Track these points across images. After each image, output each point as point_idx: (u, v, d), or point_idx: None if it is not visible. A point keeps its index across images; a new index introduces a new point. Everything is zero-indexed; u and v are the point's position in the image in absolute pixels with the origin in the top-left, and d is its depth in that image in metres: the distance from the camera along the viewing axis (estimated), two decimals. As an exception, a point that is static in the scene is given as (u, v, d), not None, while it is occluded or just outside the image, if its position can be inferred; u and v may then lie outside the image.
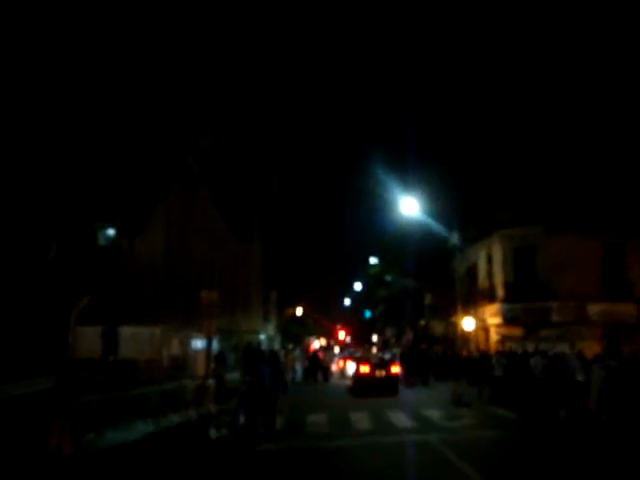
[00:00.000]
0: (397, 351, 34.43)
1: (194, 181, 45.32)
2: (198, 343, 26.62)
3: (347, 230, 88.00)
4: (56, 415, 9.25)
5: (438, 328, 38.77)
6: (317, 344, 78.63)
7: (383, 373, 22.99)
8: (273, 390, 11.96)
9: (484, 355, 23.62)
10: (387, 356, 30.08)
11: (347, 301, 72.42)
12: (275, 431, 11.91)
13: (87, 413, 9.86)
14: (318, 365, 31.11)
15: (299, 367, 33.35)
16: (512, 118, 27.63)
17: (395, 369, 24.01)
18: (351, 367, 28.88)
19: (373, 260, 44.42)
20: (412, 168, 27.26)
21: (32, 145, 28.18)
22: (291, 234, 50.45)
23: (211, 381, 12.84)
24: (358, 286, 60.29)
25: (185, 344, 27.10)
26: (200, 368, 15.74)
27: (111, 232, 38.06)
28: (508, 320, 27.32)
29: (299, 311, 63.69)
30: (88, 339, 26.88)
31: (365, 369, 23.32)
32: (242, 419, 11.47)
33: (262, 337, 44.97)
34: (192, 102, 46.39)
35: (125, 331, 30.32)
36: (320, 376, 30.63)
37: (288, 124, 53.71)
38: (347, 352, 46.04)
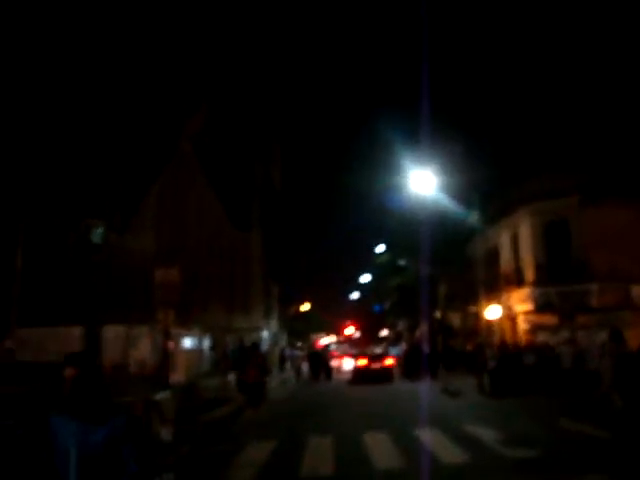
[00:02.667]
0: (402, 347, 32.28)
1: (187, 166, 41.99)
2: (187, 342, 23.32)
3: (353, 216, 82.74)
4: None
5: (455, 319, 35.31)
6: (326, 341, 75.63)
7: (378, 365, 26.58)
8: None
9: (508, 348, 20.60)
10: (394, 351, 33.01)
11: (355, 295, 68.91)
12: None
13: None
14: (321, 364, 30.01)
15: (305, 366, 32.11)
16: (539, 74, 24.07)
17: (389, 361, 27.40)
18: (348, 363, 32.57)
19: (381, 248, 40.98)
20: (425, 137, 23.65)
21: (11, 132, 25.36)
22: (293, 223, 47.12)
23: (164, 394, 9.29)
24: (366, 278, 56.78)
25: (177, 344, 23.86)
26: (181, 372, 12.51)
27: (100, 230, 35.20)
28: (540, 306, 23.85)
29: (305, 307, 60.48)
30: (71, 341, 23.81)
31: (362, 362, 26.99)
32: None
33: (265, 334, 41.63)
34: (183, 82, 43.08)
35: (109, 331, 27.06)
36: (323, 375, 29.58)
37: (288, 99, 49.69)
38: (342, 349, 48.43)
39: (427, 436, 10.14)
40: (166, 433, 8.52)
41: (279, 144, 49.65)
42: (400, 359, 29.80)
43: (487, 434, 10.20)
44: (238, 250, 40.04)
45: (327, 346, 46.84)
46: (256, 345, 12.68)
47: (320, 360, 30.30)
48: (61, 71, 30.68)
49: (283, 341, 47.50)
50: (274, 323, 44.46)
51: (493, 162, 25.52)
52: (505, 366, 18.25)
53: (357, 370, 26.72)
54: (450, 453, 8.86)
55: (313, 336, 62.37)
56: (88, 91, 33.65)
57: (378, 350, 33.28)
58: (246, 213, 41.30)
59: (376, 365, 26.45)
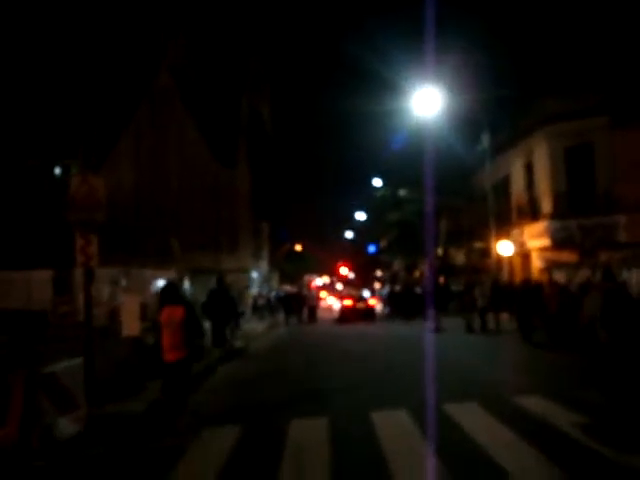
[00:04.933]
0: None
1: (167, 99, 38.47)
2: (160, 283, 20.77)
3: (349, 147, 76.49)
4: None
5: (459, 257, 32.86)
6: (320, 282, 73.69)
7: (362, 305, 29.24)
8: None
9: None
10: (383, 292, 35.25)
11: (349, 234, 66.23)
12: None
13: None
14: (296, 306, 29.08)
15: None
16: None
17: (372, 302, 31.04)
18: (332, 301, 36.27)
19: (378, 182, 38.04)
20: (430, 47, 20.28)
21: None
22: (283, 159, 44.02)
23: (69, 363, 6.25)
24: (361, 216, 53.89)
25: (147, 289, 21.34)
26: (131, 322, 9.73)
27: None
28: (558, 242, 21.27)
29: (298, 247, 58.06)
30: (40, 286, 21.34)
31: (348, 302, 29.48)
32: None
33: (254, 276, 39.27)
34: (161, 10, 39.13)
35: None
36: (305, 316, 28.99)
37: (271, 24, 45.16)
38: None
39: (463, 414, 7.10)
40: (68, 425, 5.82)
41: (268, 75, 45.98)
42: (391, 300, 30.46)
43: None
44: (224, 188, 37.18)
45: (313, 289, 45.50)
46: (173, 287, 7.10)
47: (293, 303, 29.42)
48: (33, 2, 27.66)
49: (274, 282, 45.22)
50: (264, 264, 42.03)
51: (506, 78, 22.36)
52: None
53: (344, 309, 28.89)
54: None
55: (306, 277, 60.25)
56: (59, 20, 30.57)
57: (365, 292, 35.64)
58: (232, 149, 38.22)
59: (361, 305, 29.13)
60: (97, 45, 36.35)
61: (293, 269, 50.41)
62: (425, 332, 18.23)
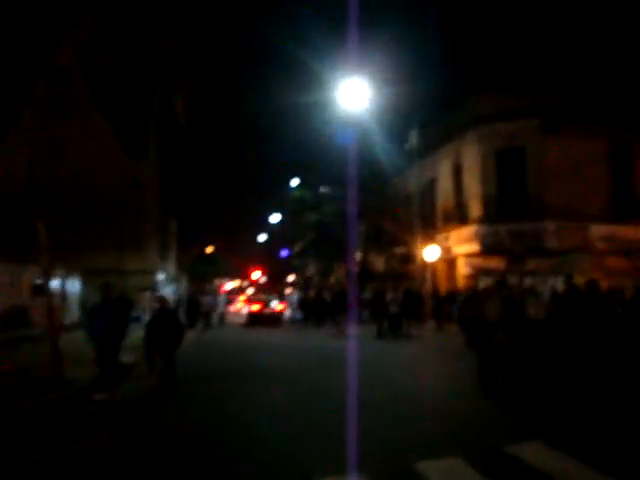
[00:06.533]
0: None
1: (70, 84, 34.77)
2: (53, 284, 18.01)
3: (265, 144, 71.95)
4: None
5: (378, 263, 31.65)
6: (231, 286, 70.97)
7: (269, 311, 29.50)
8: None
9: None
10: (293, 298, 35.33)
11: (262, 237, 64.08)
12: None
13: None
14: (198, 310, 26.98)
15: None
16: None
17: (279, 307, 31.23)
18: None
19: (295, 182, 36.31)
20: (354, 34, 18.61)
21: None
22: (195, 151, 41.43)
23: None
24: (275, 218, 51.94)
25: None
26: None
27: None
28: (488, 247, 20.35)
29: (208, 249, 55.24)
30: None
31: (256, 307, 29.73)
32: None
33: (160, 278, 36.34)
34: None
35: None
36: (201, 323, 26.28)
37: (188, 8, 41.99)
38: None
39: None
40: None
41: (183, 63, 43.28)
42: (303, 305, 30.16)
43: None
44: (129, 179, 34.15)
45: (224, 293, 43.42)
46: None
47: (198, 307, 27.40)
48: None
49: (182, 287, 42.41)
50: (172, 265, 39.22)
51: (439, 74, 21.28)
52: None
53: (251, 314, 28.96)
54: None
55: (217, 281, 57.53)
56: None
57: (272, 297, 35.39)
58: (141, 140, 35.23)
59: (267, 310, 29.40)
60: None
61: (206, 271, 47.69)
62: (342, 341, 17.45)
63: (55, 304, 10.20)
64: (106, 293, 8.47)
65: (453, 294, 21.08)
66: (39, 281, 16.39)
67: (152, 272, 33.84)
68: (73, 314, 20.10)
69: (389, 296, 19.20)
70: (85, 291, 20.28)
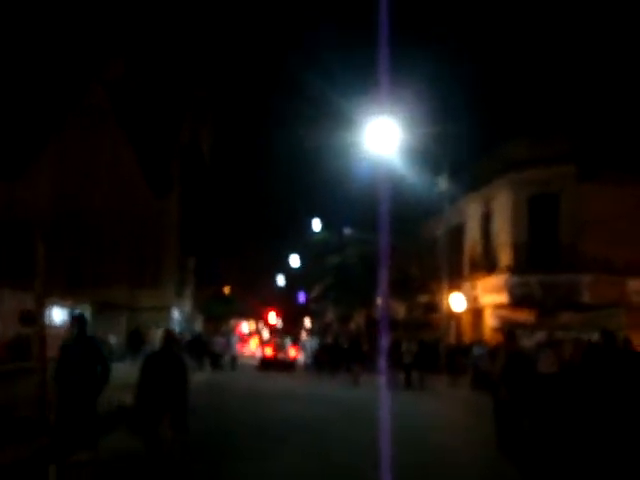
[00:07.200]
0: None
1: (100, 116, 35.30)
2: (59, 315, 17.32)
3: (290, 184, 70.27)
4: None
5: (400, 310, 30.56)
6: (246, 327, 69.83)
7: (283, 355, 28.80)
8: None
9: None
10: (310, 344, 32.63)
11: (281, 279, 63.33)
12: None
13: None
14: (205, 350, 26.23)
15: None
16: (535, 13, 19.40)
17: (292, 352, 29.93)
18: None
19: (317, 223, 35.68)
20: (384, 72, 18.01)
21: None
22: (219, 191, 41.19)
23: None
24: (295, 261, 51.26)
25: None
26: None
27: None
28: (517, 299, 19.26)
29: (226, 289, 54.53)
30: None
31: (269, 351, 29.21)
32: None
33: (176, 316, 35.63)
34: (100, 22, 36.45)
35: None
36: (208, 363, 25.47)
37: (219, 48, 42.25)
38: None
39: None
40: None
41: (211, 102, 43.58)
42: (319, 352, 28.44)
43: None
44: (152, 216, 33.92)
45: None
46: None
47: (204, 348, 26.64)
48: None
49: (197, 324, 41.59)
50: (187, 303, 38.52)
51: (471, 118, 20.67)
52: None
53: (264, 359, 28.40)
54: None
55: (233, 321, 56.59)
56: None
57: (286, 341, 34.29)
58: (166, 177, 35.18)
59: (281, 355, 28.68)
60: (24, 51, 33.33)
61: (220, 311, 46.85)
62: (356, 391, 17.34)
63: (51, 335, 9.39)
64: (80, 328, 6.54)
65: (465, 346, 20.10)
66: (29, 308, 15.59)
67: (167, 308, 33.16)
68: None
69: (404, 346, 19.10)
70: (94, 324, 19.44)
